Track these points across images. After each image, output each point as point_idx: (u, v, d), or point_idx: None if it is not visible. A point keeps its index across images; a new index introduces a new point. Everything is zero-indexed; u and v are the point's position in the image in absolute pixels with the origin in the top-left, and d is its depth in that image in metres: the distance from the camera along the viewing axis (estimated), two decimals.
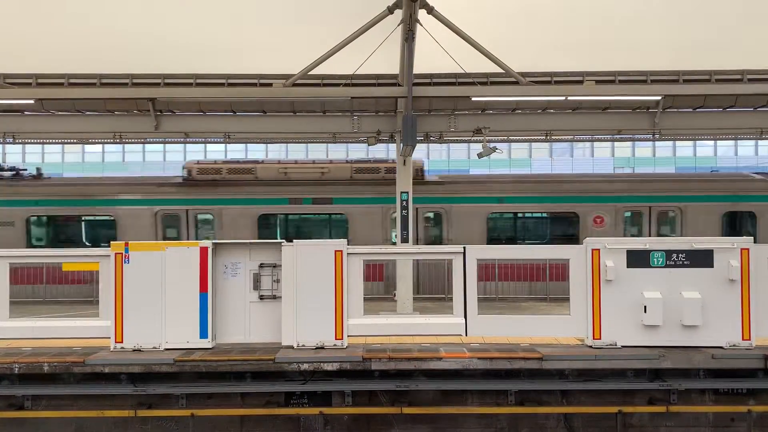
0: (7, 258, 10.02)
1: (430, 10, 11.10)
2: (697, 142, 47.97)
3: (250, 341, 9.94)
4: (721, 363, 9.20)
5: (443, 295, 15.00)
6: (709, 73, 14.12)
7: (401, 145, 13.07)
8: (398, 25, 11.42)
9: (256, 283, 9.98)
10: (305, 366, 9.13)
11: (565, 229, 17.07)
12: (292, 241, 9.90)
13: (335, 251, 9.68)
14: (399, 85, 13.26)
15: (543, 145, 49.22)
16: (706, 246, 9.54)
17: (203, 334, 9.62)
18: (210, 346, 9.62)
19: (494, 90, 13.54)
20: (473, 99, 13.54)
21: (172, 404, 9.19)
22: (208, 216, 16.99)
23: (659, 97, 14.16)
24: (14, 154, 48.51)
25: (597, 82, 13.14)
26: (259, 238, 16.19)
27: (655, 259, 9.48)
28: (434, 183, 17.48)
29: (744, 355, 9.26)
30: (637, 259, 9.50)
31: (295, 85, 12.41)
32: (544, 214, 17.21)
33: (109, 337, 9.62)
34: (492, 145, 14.27)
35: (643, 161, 50.37)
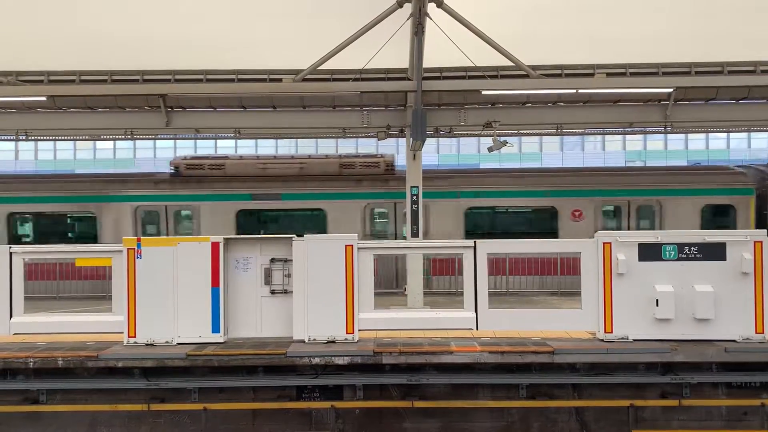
0: (22, 254, 10.13)
1: (440, 4, 11.07)
2: (710, 134, 47.54)
3: (262, 336, 9.99)
4: (734, 356, 9.13)
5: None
6: (721, 64, 14.01)
7: (411, 139, 13.06)
8: (407, 19, 11.40)
9: (268, 278, 10.01)
10: (316, 360, 9.16)
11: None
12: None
13: (346, 246, 9.69)
14: (408, 80, 13.24)
15: (554, 139, 49.01)
16: (718, 239, 9.47)
17: (215, 328, 9.67)
18: (222, 341, 9.67)
19: (504, 83, 13.50)
20: (483, 93, 13.51)
21: (185, 398, 9.25)
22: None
23: (671, 90, 14.07)
24: (27, 151, 48.93)
25: (608, 74, 13.06)
26: None
27: (667, 253, 9.42)
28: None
29: (757, 348, 9.19)
30: (649, 252, 9.44)
31: (304, 80, 12.44)
32: None
33: (122, 332, 9.69)
34: (502, 138, 14.24)
35: (654, 154, 50.01)
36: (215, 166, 17.46)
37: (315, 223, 16.97)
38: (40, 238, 17.14)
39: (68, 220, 17.79)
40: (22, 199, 17.37)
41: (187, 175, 17.42)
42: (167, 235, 16.87)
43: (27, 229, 17.62)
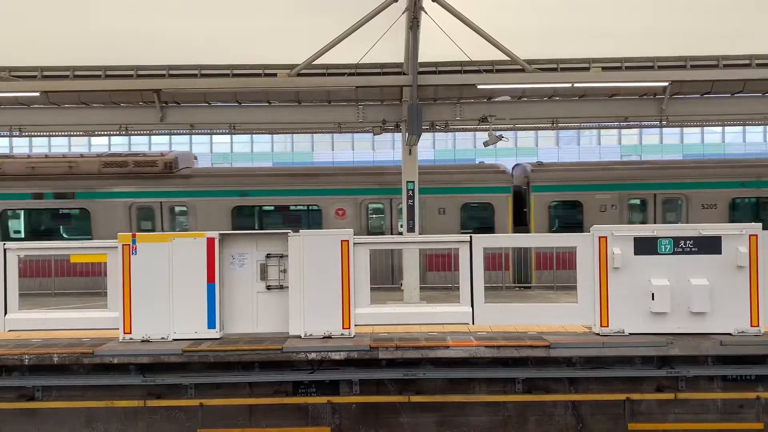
0: (17, 251, 10.08)
1: None
2: (705, 128, 47.62)
3: (258, 331, 9.98)
4: (730, 350, 9.17)
5: None
6: (716, 58, 13.99)
7: (406, 134, 13.03)
8: (403, 13, 11.36)
9: (263, 274, 10.01)
10: (313, 355, 9.16)
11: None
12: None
13: (341, 241, 9.69)
14: (404, 74, 13.20)
15: (550, 133, 48.99)
16: (714, 233, 9.48)
17: (211, 324, 9.66)
18: (218, 337, 9.66)
19: (500, 78, 13.47)
20: (479, 87, 13.47)
21: (181, 394, 9.25)
22: None
23: (666, 83, 14.04)
24: (21, 147, 48.74)
25: (603, 68, 13.03)
26: None
27: (663, 246, 9.44)
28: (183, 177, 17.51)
29: (752, 341, 9.23)
30: (645, 246, 9.46)
31: (299, 74, 12.37)
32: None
33: (118, 329, 9.67)
34: (498, 133, 14.22)
35: (650, 148, 50.09)
36: None
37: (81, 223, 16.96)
38: None
39: None
40: None
41: None
42: None
43: None
